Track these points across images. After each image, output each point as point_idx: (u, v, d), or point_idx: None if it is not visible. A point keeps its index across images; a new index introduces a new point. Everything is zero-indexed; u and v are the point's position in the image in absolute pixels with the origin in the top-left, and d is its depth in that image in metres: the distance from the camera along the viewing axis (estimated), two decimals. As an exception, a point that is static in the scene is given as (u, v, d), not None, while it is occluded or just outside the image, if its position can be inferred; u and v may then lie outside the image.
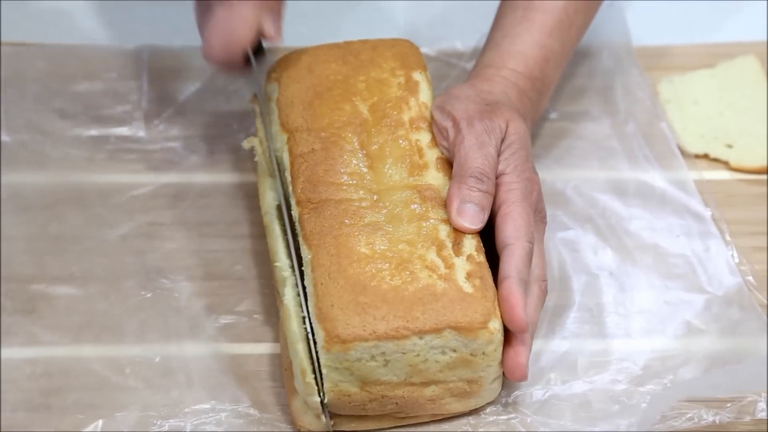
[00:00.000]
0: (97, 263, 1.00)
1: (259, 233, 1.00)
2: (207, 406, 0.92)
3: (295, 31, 1.03)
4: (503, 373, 0.90)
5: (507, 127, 0.93)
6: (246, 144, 1.00)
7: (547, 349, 0.95)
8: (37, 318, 0.97)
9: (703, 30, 1.17)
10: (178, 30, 1.15)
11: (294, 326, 0.88)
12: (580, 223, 1.03)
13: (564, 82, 1.11)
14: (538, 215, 0.93)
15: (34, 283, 0.99)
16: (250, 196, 1.04)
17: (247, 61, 0.97)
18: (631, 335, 0.96)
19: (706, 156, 1.07)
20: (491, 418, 0.91)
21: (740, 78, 1.12)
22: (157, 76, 1.12)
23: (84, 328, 0.96)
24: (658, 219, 1.03)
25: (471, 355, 0.87)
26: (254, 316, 0.97)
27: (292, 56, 1.01)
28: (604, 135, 1.08)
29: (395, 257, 0.88)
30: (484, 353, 0.87)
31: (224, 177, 1.06)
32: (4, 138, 1.07)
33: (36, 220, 1.03)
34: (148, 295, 0.98)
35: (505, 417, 0.91)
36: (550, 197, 1.03)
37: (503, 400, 0.92)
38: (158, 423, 0.91)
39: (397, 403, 0.89)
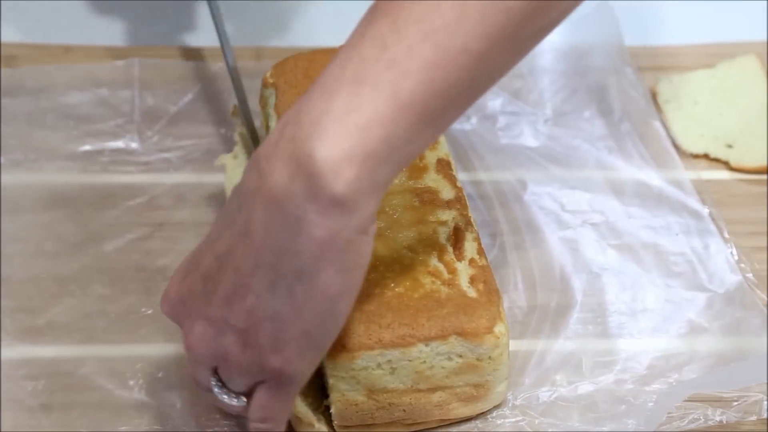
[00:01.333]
0: (96, 277, 1.00)
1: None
2: (211, 420, 0.91)
3: (294, 31, 1.03)
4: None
5: None
6: (218, 162, 1.00)
7: (551, 349, 0.95)
8: (37, 335, 0.96)
9: (703, 30, 1.17)
10: (177, 30, 1.15)
11: None
12: (579, 222, 1.03)
13: (557, 82, 1.11)
14: None
15: (34, 299, 0.98)
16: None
17: None
18: (634, 335, 0.96)
19: (706, 156, 1.08)
20: (499, 421, 0.91)
21: (740, 78, 1.12)
22: (148, 88, 1.12)
23: (86, 342, 0.96)
24: (656, 217, 1.03)
25: (477, 360, 0.87)
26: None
27: (289, 61, 1.01)
28: (600, 135, 1.09)
29: (397, 264, 0.88)
30: (490, 357, 0.87)
31: (220, 186, 1.06)
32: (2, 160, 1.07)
33: (32, 236, 1.02)
34: (149, 311, 0.98)
35: (512, 419, 0.91)
36: (548, 196, 1.03)
37: (510, 403, 0.92)
38: (165, 436, 0.91)
39: (404, 410, 0.89)
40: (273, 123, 0.99)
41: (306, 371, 0.79)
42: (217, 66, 1.13)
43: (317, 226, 0.71)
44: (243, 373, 0.79)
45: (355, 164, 0.71)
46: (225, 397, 0.82)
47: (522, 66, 1.12)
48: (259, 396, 0.80)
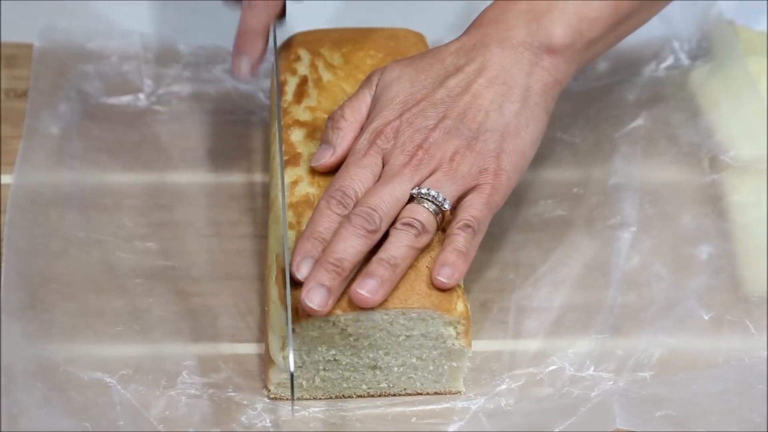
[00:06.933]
0: (98, 267, 1.00)
1: (262, 234, 1.02)
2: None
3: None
4: None
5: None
6: None
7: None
8: (39, 325, 0.96)
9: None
10: (178, 29, 1.16)
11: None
12: None
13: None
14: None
15: (36, 287, 0.98)
16: (251, 196, 1.06)
17: None
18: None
19: None
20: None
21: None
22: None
23: (86, 332, 0.96)
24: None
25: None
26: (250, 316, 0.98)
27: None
28: None
29: None
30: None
31: (233, 178, 1.08)
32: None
33: (36, 223, 1.02)
34: (150, 299, 0.98)
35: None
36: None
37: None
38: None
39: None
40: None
41: (509, 188, 0.95)
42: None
43: (546, 71, 0.96)
44: (460, 178, 0.93)
45: (581, 47, 0.98)
46: (432, 201, 0.93)
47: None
48: (471, 199, 0.94)
